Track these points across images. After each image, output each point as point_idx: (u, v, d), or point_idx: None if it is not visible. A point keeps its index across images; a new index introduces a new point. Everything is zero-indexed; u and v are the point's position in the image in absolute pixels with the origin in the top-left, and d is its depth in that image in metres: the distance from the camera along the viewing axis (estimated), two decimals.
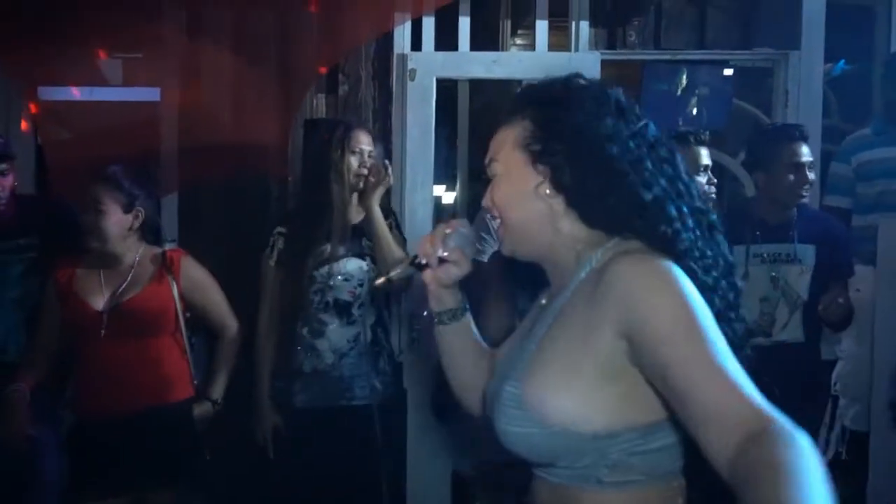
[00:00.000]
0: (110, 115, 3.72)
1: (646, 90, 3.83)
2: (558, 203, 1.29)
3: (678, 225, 1.25)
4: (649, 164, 1.27)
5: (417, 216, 3.69)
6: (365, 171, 2.74)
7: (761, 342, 2.91)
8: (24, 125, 3.62)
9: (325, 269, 2.73)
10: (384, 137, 3.70)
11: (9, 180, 2.91)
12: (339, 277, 2.74)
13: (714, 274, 1.26)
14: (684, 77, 3.87)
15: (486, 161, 1.38)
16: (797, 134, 2.99)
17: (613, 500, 1.21)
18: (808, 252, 2.94)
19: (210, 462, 2.73)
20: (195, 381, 2.74)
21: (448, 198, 5.95)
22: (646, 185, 1.25)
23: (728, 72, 3.94)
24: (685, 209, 1.27)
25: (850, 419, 3.47)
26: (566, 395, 1.20)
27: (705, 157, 2.75)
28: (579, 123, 1.27)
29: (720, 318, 1.21)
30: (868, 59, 4.04)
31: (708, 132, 2.92)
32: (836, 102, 4.54)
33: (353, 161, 2.75)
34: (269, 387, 2.74)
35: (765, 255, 2.95)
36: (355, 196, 2.78)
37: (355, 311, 2.76)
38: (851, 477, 3.41)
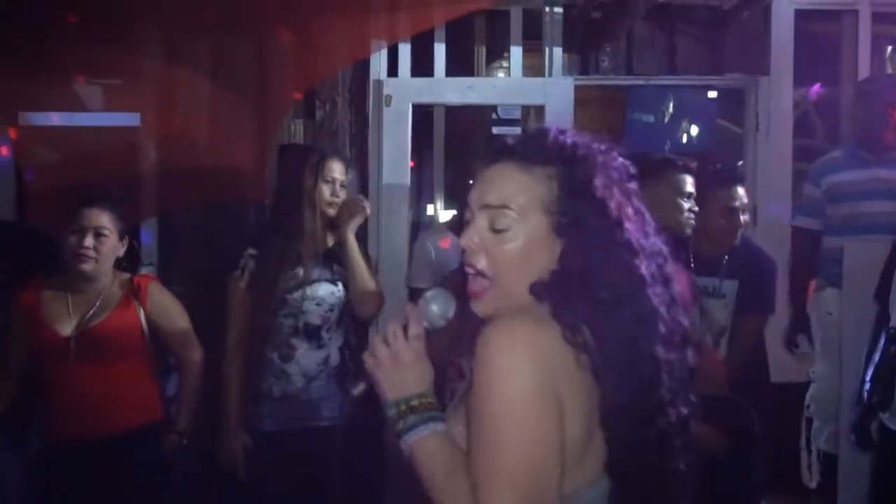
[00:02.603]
0: (90, 140, 3.78)
1: (631, 117, 3.85)
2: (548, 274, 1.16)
3: (661, 310, 1.18)
4: (643, 241, 1.19)
5: (393, 240, 3.73)
6: (337, 200, 2.79)
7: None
8: (4, 150, 3.67)
9: (298, 294, 2.75)
10: (360, 162, 3.75)
11: None
12: (312, 302, 2.77)
13: (673, 347, 1.19)
14: (671, 104, 3.91)
15: (492, 202, 1.19)
16: (732, 177, 3.03)
17: None
18: (731, 287, 3.02)
19: (181, 485, 2.75)
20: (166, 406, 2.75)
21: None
22: (640, 263, 1.17)
23: (712, 94, 3.99)
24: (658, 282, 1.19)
25: (823, 441, 3.48)
26: None
27: (689, 184, 2.79)
28: (603, 199, 1.17)
29: (667, 405, 1.18)
30: (836, 83, 4.10)
31: (695, 162, 2.93)
32: (821, 123, 4.60)
33: (326, 190, 2.79)
34: (237, 410, 2.76)
35: (696, 288, 3.00)
36: (327, 221, 2.82)
37: (324, 335, 2.79)
38: (824, 499, 3.42)
